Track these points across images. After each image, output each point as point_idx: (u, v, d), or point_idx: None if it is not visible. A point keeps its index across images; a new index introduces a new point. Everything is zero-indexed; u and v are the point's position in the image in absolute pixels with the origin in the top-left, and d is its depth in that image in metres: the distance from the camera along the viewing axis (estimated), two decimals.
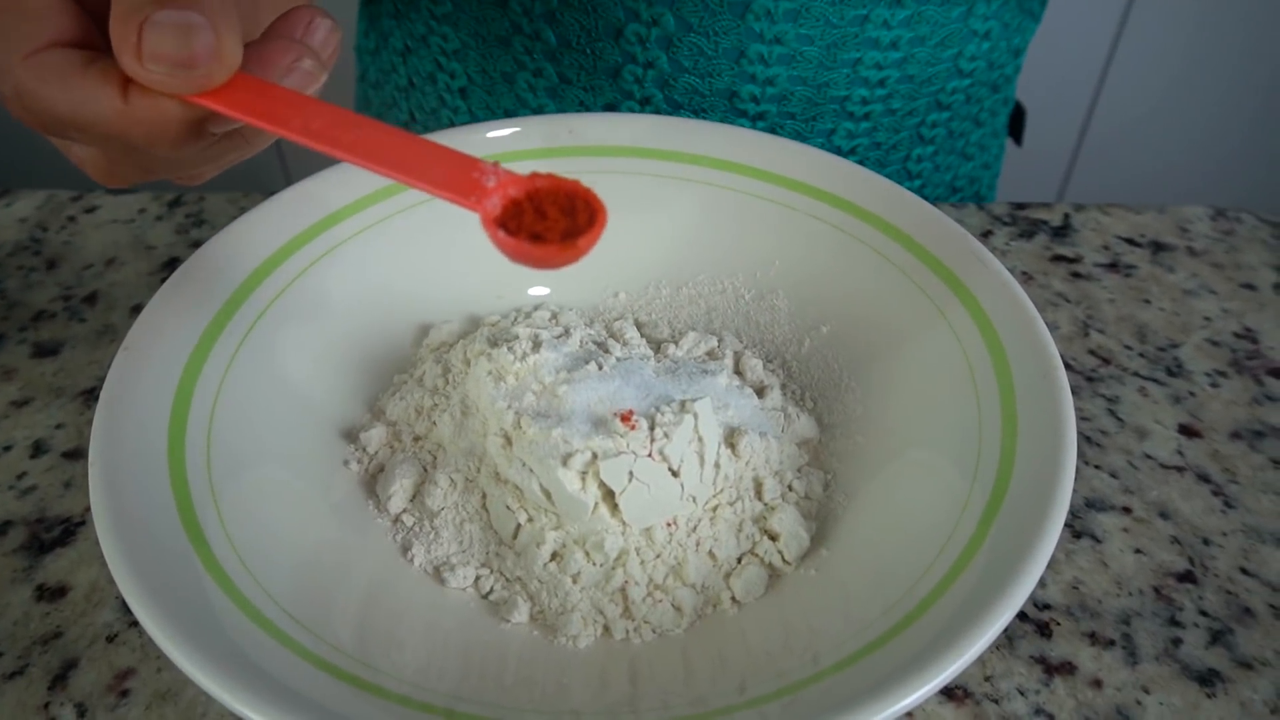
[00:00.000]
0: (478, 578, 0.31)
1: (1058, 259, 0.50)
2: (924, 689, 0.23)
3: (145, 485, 0.28)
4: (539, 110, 0.52)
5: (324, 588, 0.29)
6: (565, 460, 0.29)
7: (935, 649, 0.24)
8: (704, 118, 0.48)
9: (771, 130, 0.51)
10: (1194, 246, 0.50)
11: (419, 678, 0.27)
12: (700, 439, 0.30)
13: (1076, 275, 0.48)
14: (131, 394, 0.30)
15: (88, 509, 0.36)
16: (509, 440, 0.31)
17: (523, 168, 0.43)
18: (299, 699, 0.23)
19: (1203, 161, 1.18)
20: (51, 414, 0.41)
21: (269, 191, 0.38)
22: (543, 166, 0.43)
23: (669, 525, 0.31)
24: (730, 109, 0.50)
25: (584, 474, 0.30)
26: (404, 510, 0.33)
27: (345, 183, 0.39)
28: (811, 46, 0.47)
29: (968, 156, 0.58)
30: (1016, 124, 0.63)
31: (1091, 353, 0.44)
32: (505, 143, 0.42)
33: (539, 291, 0.42)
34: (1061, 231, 0.51)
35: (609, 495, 0.30)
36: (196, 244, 0.50)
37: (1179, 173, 1.19)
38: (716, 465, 0.31)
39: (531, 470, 0.30)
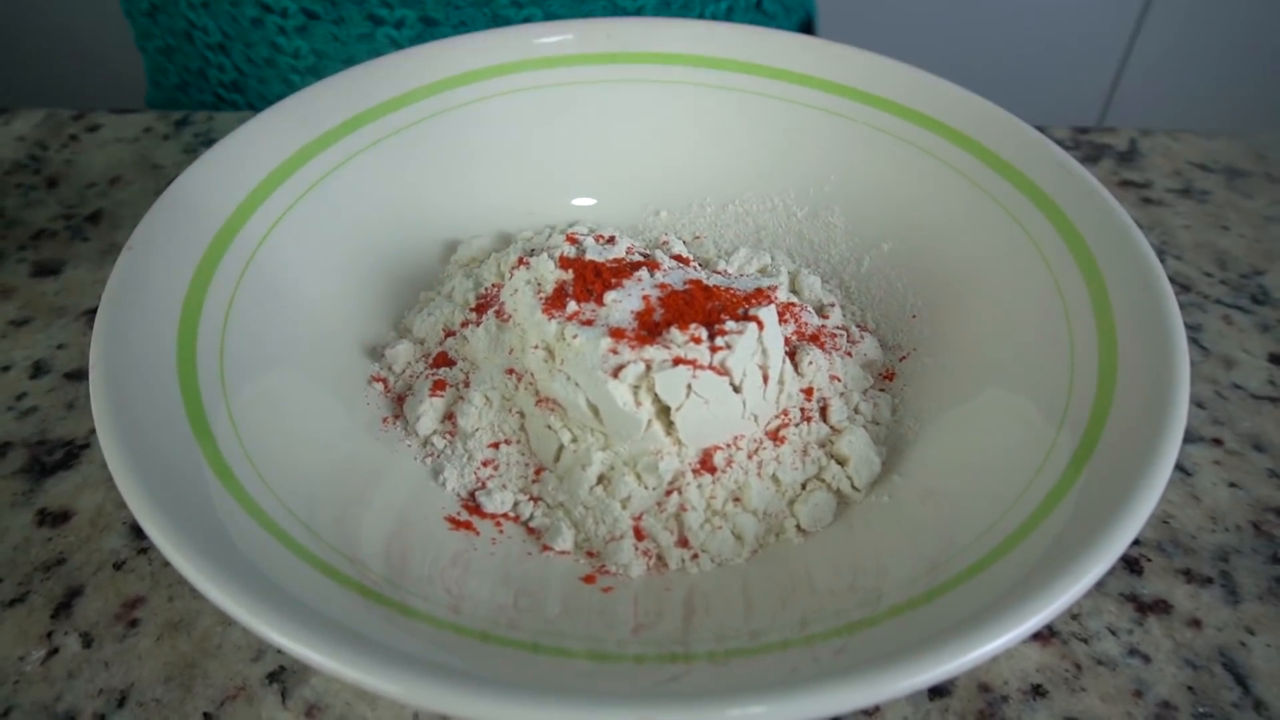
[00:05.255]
0: (516, 503, 0.29)
1: (1126, 184, 0.46)
2: (1011, 634, 0.20)
3: (152, 391, 0.25)
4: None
5: (348, 508, 0.27)
6: (616, 372, 0.26)
7: (1019, 594, 0.21)
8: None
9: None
10: (1272, 173, 0.47)
11: (451, 614, 0.25)
12: (764, 350, 0.27)
13: (1147, 200, 0.45)
14: (137, 296, 0.27)
15: (92, 431, 0.34)
16: (551, 353, 0.28)
17: (554, 76, 0.40)
18: (320, 618, 0.21)
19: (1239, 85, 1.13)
20: (52, 334, 0.38)
21: None
22: (577, 74, 0.41)
23: (729, 446, 0.28)
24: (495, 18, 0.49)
25: (636, 388, 0.27)
26: (434, 432, 0.30)
27: (364, 88, 0.36)
28: None
29: None
30: None
31: (1169, 279, 0.41)
32: (550, 47, 0.39)
33: (582, 202, 0.39)
34: (1128, 156, 0.48)
35: (664, 411, 0.27)
36: None
37: (1222, 99, 1.14)
38: (780, 382, 0.28)
39: (577, 384, 0.27)
